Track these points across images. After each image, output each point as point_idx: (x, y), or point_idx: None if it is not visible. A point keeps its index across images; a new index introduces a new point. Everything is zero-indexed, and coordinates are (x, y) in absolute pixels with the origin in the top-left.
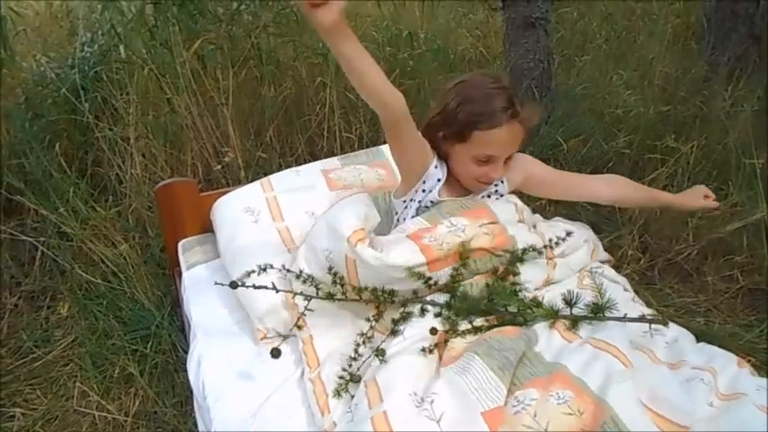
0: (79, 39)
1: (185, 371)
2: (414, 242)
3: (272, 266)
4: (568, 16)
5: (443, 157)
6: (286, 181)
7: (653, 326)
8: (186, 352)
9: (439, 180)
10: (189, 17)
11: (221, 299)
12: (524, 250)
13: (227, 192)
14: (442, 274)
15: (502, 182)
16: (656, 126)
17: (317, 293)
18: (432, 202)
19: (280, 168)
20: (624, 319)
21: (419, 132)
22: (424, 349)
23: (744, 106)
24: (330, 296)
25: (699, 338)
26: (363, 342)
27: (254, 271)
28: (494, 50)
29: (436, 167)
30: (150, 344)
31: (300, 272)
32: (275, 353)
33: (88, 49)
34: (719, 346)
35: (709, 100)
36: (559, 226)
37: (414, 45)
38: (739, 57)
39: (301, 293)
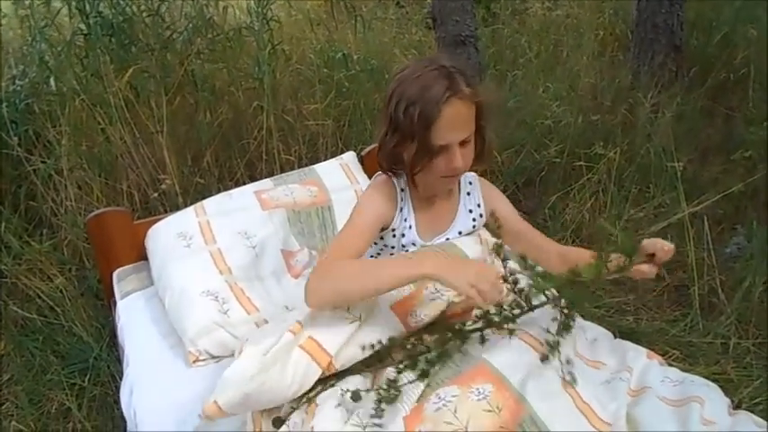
0: (11, 71)
1: None
2: (396, 316)
3: None
4: (501, 32)
5: (405, 170)
6: (219, 204)
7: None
8: None
9: (405, 219)
10: (120, 46)
11: (155, 325)
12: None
13: (162, 219)
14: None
15: (479, 206)
16: (585, 134)
17: None
18: (413, 243)
19: (219, 193)
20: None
21: (364, 223)
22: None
23: (665, 113)
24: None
25: (625, 336)
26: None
27: None
28: None
29: (401, 209)
30: (88, 376)
31: None
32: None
33: (19, 83)
34: (647, 343)
35: (633, 108)
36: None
37: (348, 66)
38: (660, 65)
39: None
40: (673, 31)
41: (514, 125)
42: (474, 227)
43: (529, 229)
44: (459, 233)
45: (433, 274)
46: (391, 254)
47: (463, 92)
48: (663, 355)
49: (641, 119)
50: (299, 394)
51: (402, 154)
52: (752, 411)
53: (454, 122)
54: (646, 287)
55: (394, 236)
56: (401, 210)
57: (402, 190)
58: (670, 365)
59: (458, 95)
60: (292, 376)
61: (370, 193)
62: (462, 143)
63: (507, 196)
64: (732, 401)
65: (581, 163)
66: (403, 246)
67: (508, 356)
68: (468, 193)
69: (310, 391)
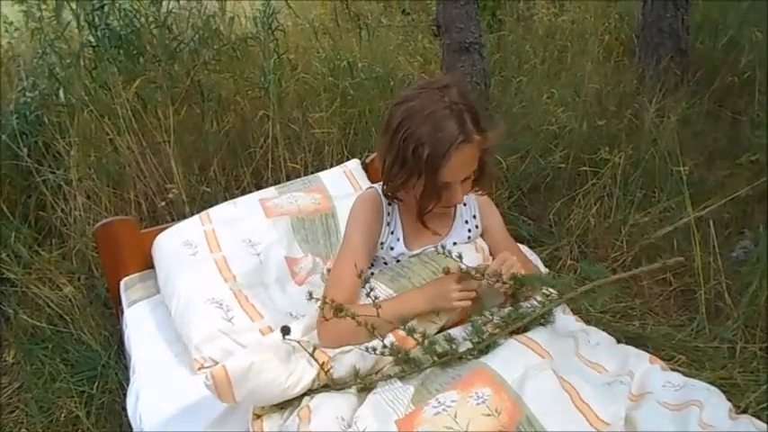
0: (21, 84)
1: None
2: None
3: None
4: (506, 39)
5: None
6: (224, 213)
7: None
8: None
9: (392, 232)
10: (128, 58)
11: (161, 333)
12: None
13: (168, 227)
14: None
15: (474, 216)
16: (590, 140)
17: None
18: (403, 255)
19: (225, 201)
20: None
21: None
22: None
23: (670, 117)
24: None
25: (631, 341)
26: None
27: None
28: (435, 76)
29: (389, 224)
30: (97, 384)
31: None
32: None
33: (29, 94)
34: (653, 348)
35: (638, 112)
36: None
37: (353, 74)
38: (666, 69)
39: None
40: (678, 35)
41: (519, 131)
42: (469, 237)
43: (514, 248)
44: (454, 244)
45: (425, 309)
46: (385, 263)
47: (473, 139)
48: (669, 360)
49: (647, 123)
50: (296, 390)
51: (410, 188)
52: (758, 417)
53: (461, 165)
54: (652, 292)
55: (382, 248)
56: (388, 224)
57: (390, 204)
58: (675, 370)
59: (468, 142)
60: (293, 366)
61: (356, 217)
62: (464, 180)
63: (512, 202)
64: (738, 406)
65: (586, 168)
66: (395, 258)
67: (505, 357)
68: (465, 204)
69: (302, 396)
